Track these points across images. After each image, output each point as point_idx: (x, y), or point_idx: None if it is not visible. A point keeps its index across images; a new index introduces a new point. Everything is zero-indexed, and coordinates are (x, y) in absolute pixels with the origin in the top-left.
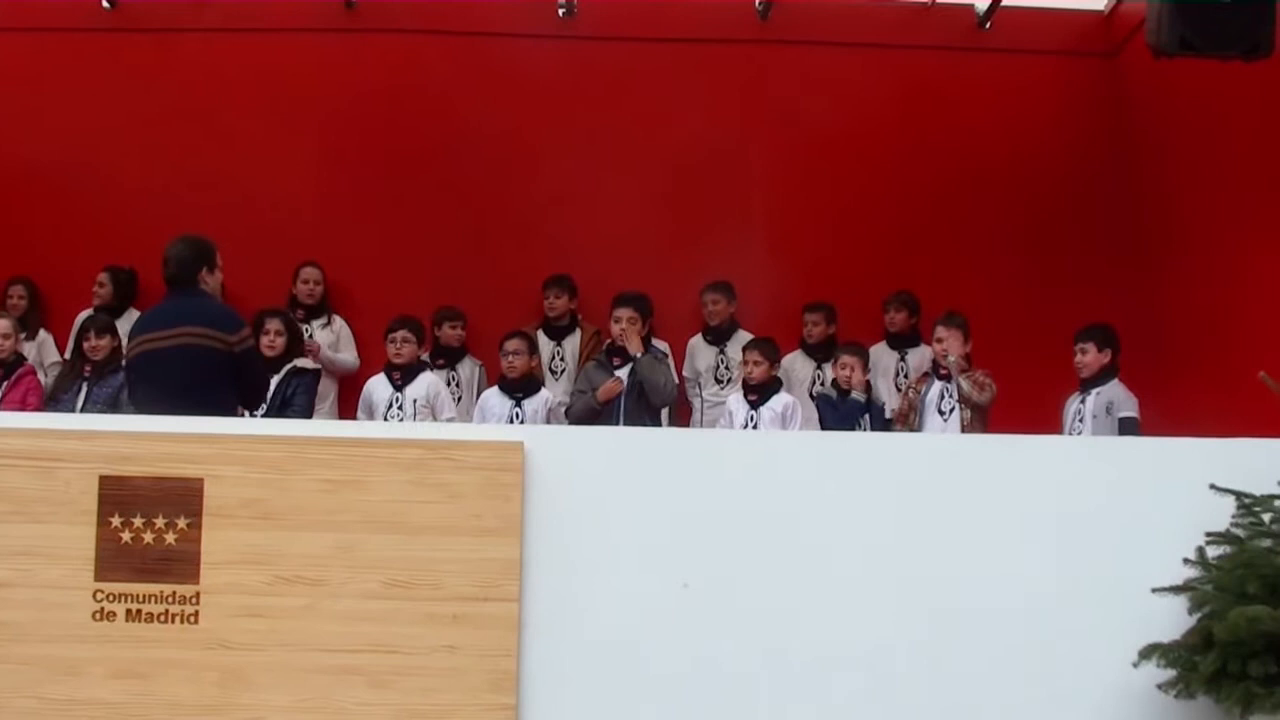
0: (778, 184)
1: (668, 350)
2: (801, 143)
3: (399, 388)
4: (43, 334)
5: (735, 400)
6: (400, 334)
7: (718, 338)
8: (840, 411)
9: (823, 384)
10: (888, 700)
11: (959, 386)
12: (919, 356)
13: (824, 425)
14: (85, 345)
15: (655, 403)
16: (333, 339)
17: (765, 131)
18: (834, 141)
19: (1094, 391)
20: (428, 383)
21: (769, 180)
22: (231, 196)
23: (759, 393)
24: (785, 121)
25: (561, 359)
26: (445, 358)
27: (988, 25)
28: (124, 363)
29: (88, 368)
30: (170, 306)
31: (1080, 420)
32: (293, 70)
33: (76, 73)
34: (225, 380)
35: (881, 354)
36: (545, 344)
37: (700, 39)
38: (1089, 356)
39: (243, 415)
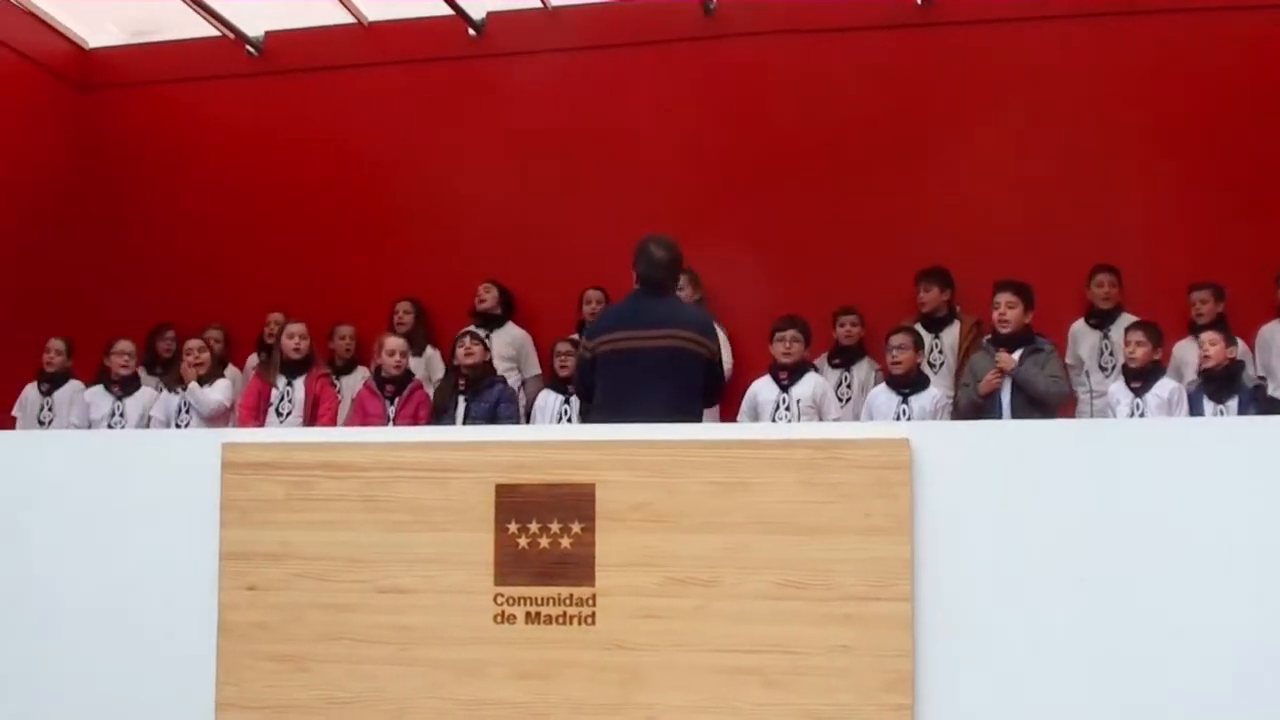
0: (1157, 160)
1: (1054, 347)
2: (1176, 116)
3: (785, 388)
4: (429, 350)
5: (1118, 388)
6: (789, 333)
7: (1101, 321)
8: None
9: None
10: None
11: None
12: None
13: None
14: (459, 351)
15: (1042, 413)
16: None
17: (1139, 108)
18: (1207, 114)
19: None
20: (814, 382)
21: (1147, 158)
22: (598, 209)
23: (1142, 379)
24: (1155, 96)
25: (940, 351)
26: (841, 357)
27: None
28: (589, 355)
29: (461, 381)
30: (652, 306)
31: None
32: (655, 80)
33: (448, 99)
34: (699, 383)
35: (1277, 332)
36: (923, 336)
37: (1071, 14)
38: None
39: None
